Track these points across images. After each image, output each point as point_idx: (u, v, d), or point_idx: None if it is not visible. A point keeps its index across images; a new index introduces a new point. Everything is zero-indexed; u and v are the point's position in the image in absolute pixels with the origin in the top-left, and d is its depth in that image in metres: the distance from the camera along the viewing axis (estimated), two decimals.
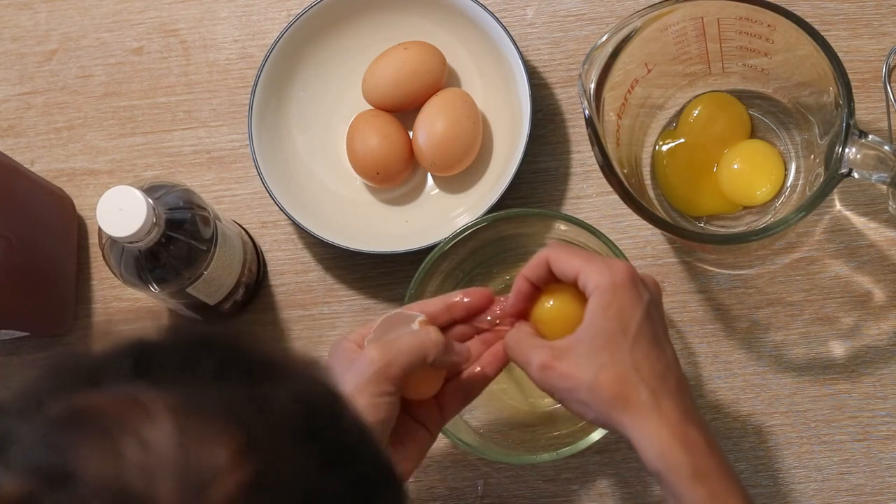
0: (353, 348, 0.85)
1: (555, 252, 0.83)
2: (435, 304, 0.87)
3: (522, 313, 0.86)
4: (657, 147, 1.00)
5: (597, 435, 0.92)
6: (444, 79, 1.03)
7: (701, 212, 0.99)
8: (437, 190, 1.04)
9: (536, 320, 0.86)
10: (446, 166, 1.01)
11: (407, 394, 0.84)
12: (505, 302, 0.87)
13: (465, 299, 0.87)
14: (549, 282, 0.85)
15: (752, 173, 0.98)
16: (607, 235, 0.91)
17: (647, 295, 0.80)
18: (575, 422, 0.96)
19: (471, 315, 0.88)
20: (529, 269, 0.84)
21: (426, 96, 1.02)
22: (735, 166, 0.98)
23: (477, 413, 0.98)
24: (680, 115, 1.00)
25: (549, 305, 0.85)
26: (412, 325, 0.85)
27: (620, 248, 0.91)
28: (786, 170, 0.99)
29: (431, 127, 1.00)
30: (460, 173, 1.03)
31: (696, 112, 0.99)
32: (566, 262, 0.82)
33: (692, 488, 0.76)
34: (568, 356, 0.79)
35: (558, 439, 0.96)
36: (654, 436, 0.77)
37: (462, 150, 1.00)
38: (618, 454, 0.98)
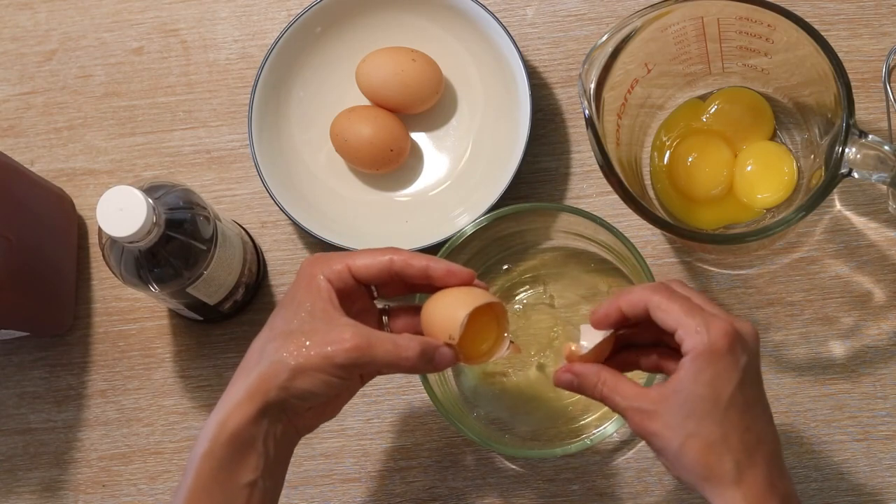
0: (330, 302, 0.82)
1: (657, 298, 0.79)
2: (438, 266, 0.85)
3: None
4: (656, 161, 1.00)
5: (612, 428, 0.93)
6: (440, 90, 1.03)
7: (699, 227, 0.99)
8: (437, 190, 1.04)
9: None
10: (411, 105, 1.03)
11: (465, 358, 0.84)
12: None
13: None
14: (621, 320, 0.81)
15: (765, 176, 0.98)
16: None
17: (745, 358, 0.77)
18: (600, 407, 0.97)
19: (454, 282, 0.85)
20: (626, 303, 0.80)
21: (419, 107, 1.03)
22: (749, 168, 0.98)
23: (525, 419, 0.99)
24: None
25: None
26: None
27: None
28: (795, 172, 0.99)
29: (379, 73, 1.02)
30: (461, 173, 1.03)
31: (715, 107, 0.99)
32: (667, 313, 0.78)
33: None
34: (657, 417, 0.77)
35: (585, 428, 0.97)
36: None
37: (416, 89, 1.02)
38: (618, 454, 0.99)
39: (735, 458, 0.76)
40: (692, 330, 0.77)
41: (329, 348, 0.80)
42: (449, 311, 0.83)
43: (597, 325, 0.82)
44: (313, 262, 0.84)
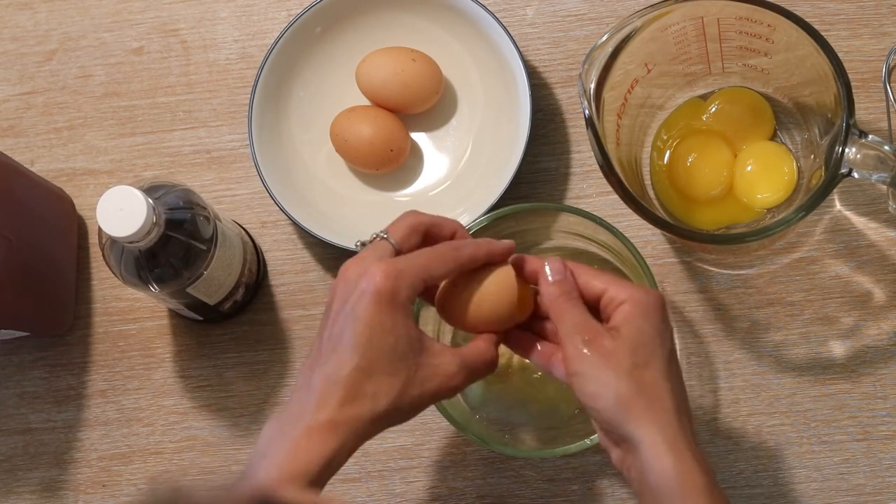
0: (416, 326, 0.80)
1: (580, 268, 0.82)
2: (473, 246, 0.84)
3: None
4: (656, 161, 1.00)
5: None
6: (440, 90, 1.03)
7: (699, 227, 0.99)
8: (437, 190, 1.04)
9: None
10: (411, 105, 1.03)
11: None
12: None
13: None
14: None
15: (765, 176, 0.98)
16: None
17: (672, 327, 0.81)
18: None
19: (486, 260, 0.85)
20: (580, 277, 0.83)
21: (418, 107, 1.03)
22: (749, 168, 0.98)
23: (525, 419, 0.98)
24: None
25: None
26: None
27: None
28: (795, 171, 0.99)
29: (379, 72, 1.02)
30: (461, 173, 1.03)
31: (716, 107, 0.99)
32: (593, 278, 0.82)
33: None
34: (605, 342, 0.78)
35: (585, 428, 0.97)
36: (673, 448, 0.76)
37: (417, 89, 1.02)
38: None
39: (675, 400, 0.77)
40: (629, 286, 0.80)
41: (437, 385, 0.80)
42: (497, 300, 0.84)
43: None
44: (386, 275, 0.78)
